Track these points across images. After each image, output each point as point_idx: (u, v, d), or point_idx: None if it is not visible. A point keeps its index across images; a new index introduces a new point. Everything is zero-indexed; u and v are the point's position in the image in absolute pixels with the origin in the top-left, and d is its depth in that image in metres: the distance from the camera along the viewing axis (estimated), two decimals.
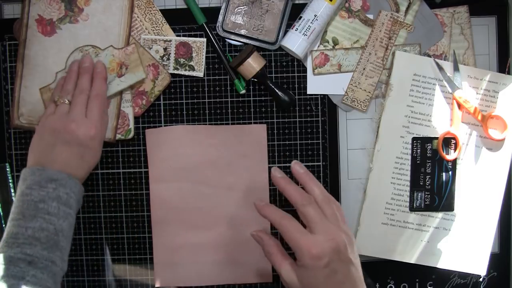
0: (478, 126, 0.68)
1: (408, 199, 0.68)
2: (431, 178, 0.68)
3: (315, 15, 0.66)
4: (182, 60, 0.68)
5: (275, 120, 0.69)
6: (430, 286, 0.70)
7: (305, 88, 0.69)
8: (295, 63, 0.69)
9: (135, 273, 0.71)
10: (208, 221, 0.69)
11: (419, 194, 0.68)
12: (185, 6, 0.69)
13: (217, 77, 0.69)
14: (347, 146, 0.70)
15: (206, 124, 0.69)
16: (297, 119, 0.70)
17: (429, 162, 0.68)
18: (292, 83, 0.69)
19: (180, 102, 0.69)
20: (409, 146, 0.68)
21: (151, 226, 0.70)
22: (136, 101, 0.68)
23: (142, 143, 0.70)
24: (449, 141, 0.67)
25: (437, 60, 0.67)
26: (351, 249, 0.51)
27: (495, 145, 0.68)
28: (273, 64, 0.69)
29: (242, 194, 0.69)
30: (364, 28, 0.69)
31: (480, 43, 0.69)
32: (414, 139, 0.68)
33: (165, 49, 0.68)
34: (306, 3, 0.67)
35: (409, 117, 0.68)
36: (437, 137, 0.67)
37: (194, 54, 0.68)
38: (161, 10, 0.69)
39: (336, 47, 0.69)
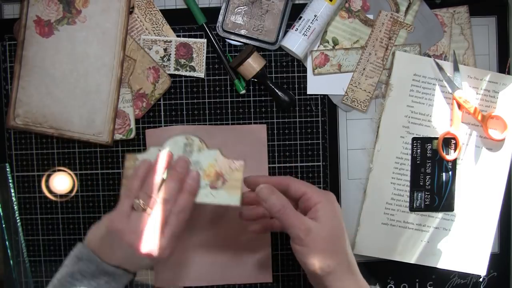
0: (478, 126, 0.68)
1: (408, 199, 0.68)
2: (431, 178, 0.68)
3: (315, 15, 0.66)
4: (182, 61, 0.68)
5: (275, 120, 0.69)
6: (430, 286, 0.70)
7: (305, 88, 0.69)
8: (295, 63, 0.69)
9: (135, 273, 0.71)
10: (208, 221, 0.69)
11: (419, 194, 0.68)
12: (185, 6, 0.69)
13: (217, 77, 0.69)
14: (347, 146, 0.70)
15: (206, 124, 0.69)
16: (297, 119, 0.70)
17: (429, 162, 0.68)
18: (292, 83, 0.69)
19: (180, 102, 0.69)
20: (409, 146, 0.68)
21: None
22: (136, 103, 0.68)
23: (142, 143, 0.70)
24: (449, 141, 0.67)
25: (437, 60, 0.67)
26: None
27: (495, 145, 0.68)
28: (273, 64, 0.69)
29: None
30: (364, 28, 0.69)
31: (480, 43, 0.69)
32: (414, 139, 0.68)
33: (165, 49, 0.68)
34: (306, 3, 0.67)
35: (409, 117, 0.68)
36: (437, 137, 0.67)
37: (194, 55, 0.68)
38: (161, 10, 0.68)
39: (336, 47, 0.69)
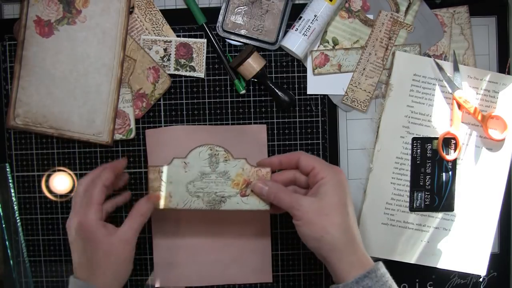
0: (478, 126, 0.68)
1: (408, 199, 0.68)
2: (431, 178, 0.68)
3: (315, 15, 0.66)
4: (182, 61, 0.68)
5: (275, 120, 0.69)
6: (430, 286, 0.70)
7: (305, 88, 0.69)
8: (295, 63, 0.69)
9: (135, 273, 0.71)
10: (208, 221, 0.69)
11: (419, 194, 0.68)
12: (185, 6, 0.69)
13: (217, 77, 0.69)
14: (347, 146, 0.70)
15: (206, 124, 0.69)
16: (297, 119, 0.70)
17: (429, 162, 0.68)
18: (292, 83, 0.69)
19: (180, 102, 0.69)
20: (409, 146, 0.68)
21: (151, 226, 0.70)
22: (136, 103, 0.68)
23: (142, 143, 0.70)
24: (449, 141, 0.67)
25: (437, 60, 0.67)
26: None
27: (495, 145, 0.68)
28: (273, 64, 0.69)
29: None
30: (364, 28, 0.69)
31: (480, 43, 0.69)
32: (414, 139, 0.68)
33: (165, 49, 0.68)
34: (306, 3, 0.67)
35: (409, 117, 0.68)
36: (437, 137, 0.67)
37: (194, 55, 0.68)
38: (161, 10, 0.68)
39: (336, 47, 0.69)
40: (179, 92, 0.69)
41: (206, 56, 0.69)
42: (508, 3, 0.69)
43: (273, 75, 0.69)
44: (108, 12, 0.67)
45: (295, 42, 0.66)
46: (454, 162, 0.68)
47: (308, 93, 0.69)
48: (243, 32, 0.68)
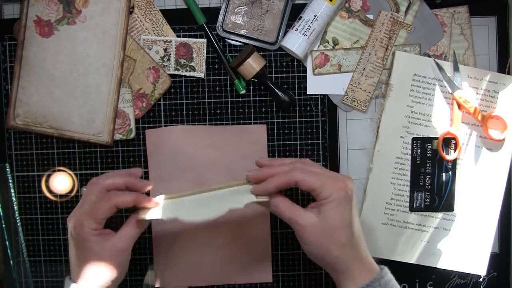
0: (478, 126, 0.68)
1: (408, 199, 0.68)
2: (431, 178, 0.68)
3: (315, 15, 0.66)
4: (182, 61, 0.68)
5: (275, 120, 0.69)
6: (430, 286, 0.70)
7: (305, 88, 0.69)
8: (295, 63, 0.69)
9: (135, 273, 0.71)
10: (208, 221, 0.69)
11: (419, 194, 0.68)
12: (185, 6, 0.69)
13: (217, 77, 0.69)
14: (347, 146, 0.70)
15: (206, 124, 0.69)
16: (297, 119, 0.70)
17: (429, 162, 0.68)
18: (292, 83, 0.69)
19: (180, 102, 0.69)
20: (409, 146, 0.68)
21: (151, 226, 0.70)
22: (136, 103, 0.68)
23: (142, 143, 0.70)
24: (449, 141, 0.67)
25: (437, 60, 0.67)
26: None
27: (495, 145, 0.68)
28: (273, 64, 0.69)
29: None
30: (364, 28, 0.69)
31: (480, 43, 0.69)
32: (414, 139, 0.68)
33: (165, 49, 0.68)
34: (306, 3, 0.67)
35: (409, 117, 0.68)
36: (437, 137, 0.67)
37: (194, 55, 0.68)
38: (161, 10, 0.68)
39: (336, 47, 0.69)
40: (179, 92, 0.69)
41: (206, 56, 0.69)
42: (508, 3, 0.69)
43: (273, 75, 0.69)
44: (108, 12, 0.67)
45: (295, 42, 0.66)
46: (454, 162, 0.67)
47: (308, 93, 0.69)
48: (243, 32, 0.68)
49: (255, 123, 0.69)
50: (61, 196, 0.70)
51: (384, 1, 0.69)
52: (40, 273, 0.71)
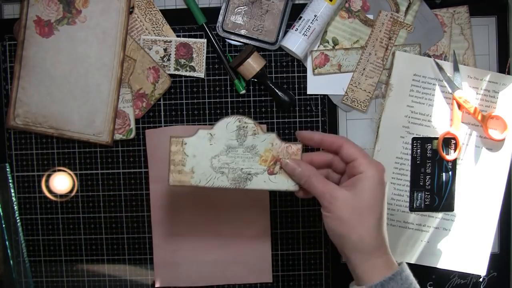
0: (478, 126, 0.68)
1: (408, 199, 0.68)
2: (431, 178, 0.68)
3: (315, 15, 0.66)
4: (182, 61, 0.68)
5: (275, 120, 0.69)
6: (430, 286, 0.70)
7: (305, 88, 0.69)
8: (295, 63, 0.69)
9: (135, 273, 0.71)
10: (208, 221, 0.69)
11: (419, 194, 0.68)
12: (185, 6, 0.69)
13: (217, 77, 0.69)
14: None
15: (206, 124, 0.69)
16: (297, 119, 0.70)
17: (429, 162, 0.68)
18: (292, 83, 0.69)
19: (180, 102, 0.69)
20: (409, 146, 0.68)
21: (151, 226, 0.70)
22: (136, 103, 0.68)
23: (142, 143, 0.70)
24: (449, 141, 0.67)
25: (437, 60, 0.67)
26: None
27: (495, 145, 0.68)
28: (273, 64, 0.69)
29: (242, 194, 0.69)
30: (364, 28, 0.69)
31: (480, 43, 0.69)
32: (414, 139, 0.68)
33: (165, 49, 0.68)
34: (306, 3, 0.67)
35: (409, 117, 0.68)
36: (437, 137, 0.67)
37: (194, 55, 0.68)
38: (161, 10, 0.68)
39: (336, 47, 0.69)
40: (179, 92, 0.69)
41: (206, 56, 0.69)
42: (508, 3, 0.69)
43: (273, 75, 0.69)
44: (108, 12, 0.67)
45: (295, 42, 0.66)
46: (454, 162, 0.68)
47: (308, 93, 0.69)
48: (243, 32, 0.68)
49: None
50: (61, 196, 0.70)
51: (384, 1, 0.69)
52: (40, 273, 0.71)
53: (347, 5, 0.68)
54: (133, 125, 0.69)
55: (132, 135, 0.69)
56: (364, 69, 0.69)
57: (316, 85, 0.69)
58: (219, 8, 0.68)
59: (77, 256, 0.71)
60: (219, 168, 0.54)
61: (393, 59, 0.68)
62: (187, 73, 0.69)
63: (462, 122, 0.67)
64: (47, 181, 0.70)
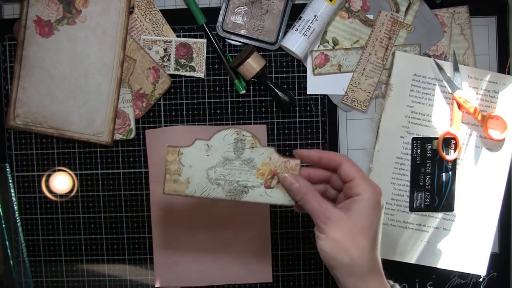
0: (478, 126, 0.68)
1: (408, 199, 0.68)
2: (431, 178, 0.68)
3: (315, 15, 0.66)
4: (182, 61, 0.68)
5: (275, 120, 0.69)
6: (430, 286, 0.70)
7: (305, 88, 0.69)
8: (295, 63, 0.69)
9: (135, 273, 0.71)
10: (208, 221, 0.69)
11: (419, 194, 0.68)
12: (185, 6, 0.69)
13: (217, 77, 0.69)
14: (347, 146, 0.70)
15: (206, 124, 0.69)
16: (297, 119, 0.70)
17: (429, 162, 0.68)
18: (292, 83, 0.69)
19: (180, 102, 0.69)
20: (409, 146, 0.68)
21: (151, 226, 0.70)
22: (136, 103, 0.68)
23: (142, 143, 0.70)
24: (449, 141, 0.67)
25: (437, 60, 0.67)
26: None
27: (495, 145, 0.68)
28: (273, 64, 0.69)
29: None
30: (364, 28, 0.69)
31: (480, 43, 0.69)
32: (414, 139, 0.68)
33: (165, 49, 0.68)
34: (306, 3, 0.67)
35: (409, 117, 0.68)
36: (437, 137, 0.67)
37: (194, 55, 0.68)
38: (161, 10, 0.68)
39: (336, 47, 0.69)
40: (179, 92, 0.69)
41: (206, 56, 0.69)
42: (508, 3, 0.69)
43: (273, 75, 0.69)
44: (108, 12, 0.67)
45: (295, 42, 0.66)
46: (454, 162, 0.67)
47: (308, 93, 0.69)
48: (243, 32, 0.68)
49: (255, 123, 0.69)
50: (61, 196, 0.70)
51: (384, 1, 0.69)
52: (40, 273, 0.71)
53: (347, 5, 0.68)
54: (133, 125, 0.69)
55: (132, 135, 0.69)
56: (364, 69, 0.69)
57: (316, 85, 0.69)
58: (219, 8, 0.68)
59: (77, 256, 0.71)
60: (215, 179, 0.54)
61: (393, 59, 0.68)
62: (187, 73, 0.69)
63: (462, 122, 0.67)
64: (47, 181, 0.70)
